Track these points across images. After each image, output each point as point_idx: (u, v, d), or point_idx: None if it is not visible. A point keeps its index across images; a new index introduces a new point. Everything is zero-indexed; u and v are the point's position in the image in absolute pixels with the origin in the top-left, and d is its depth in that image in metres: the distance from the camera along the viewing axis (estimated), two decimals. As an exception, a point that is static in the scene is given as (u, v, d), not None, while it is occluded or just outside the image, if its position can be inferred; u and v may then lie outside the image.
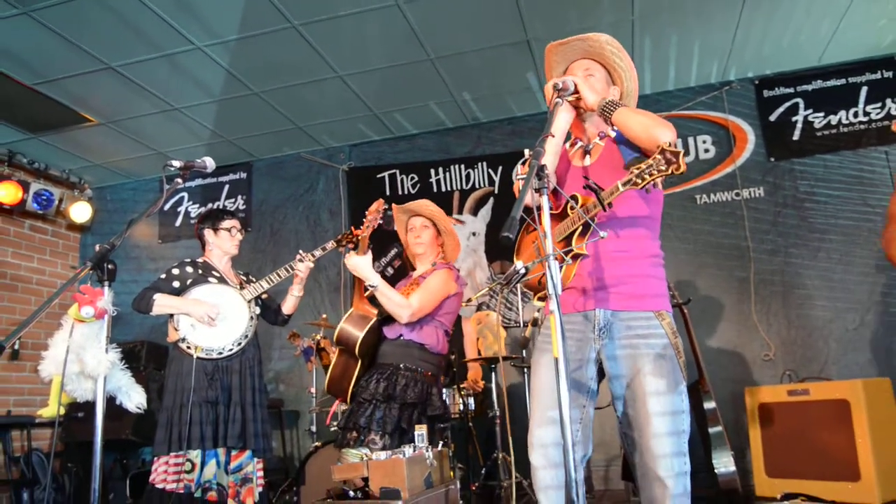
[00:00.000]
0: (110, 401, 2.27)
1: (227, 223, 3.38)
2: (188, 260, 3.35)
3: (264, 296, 3.40)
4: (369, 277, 2.80)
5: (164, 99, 4.97)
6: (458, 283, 3.03)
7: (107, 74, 4.54)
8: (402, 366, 2.87)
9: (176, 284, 3.20)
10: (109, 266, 2.04)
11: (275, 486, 4.51)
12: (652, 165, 1.70)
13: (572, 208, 1.96)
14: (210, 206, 6.22)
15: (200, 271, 3.29)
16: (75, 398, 2.29)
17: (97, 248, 2.04)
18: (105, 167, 6.21)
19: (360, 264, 2.81)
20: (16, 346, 5.64)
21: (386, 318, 2.98)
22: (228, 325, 3.20)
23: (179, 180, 2.38)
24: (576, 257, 1.95)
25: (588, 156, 2.13)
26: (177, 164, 2.34)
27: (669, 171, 1.67)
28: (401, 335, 2.92)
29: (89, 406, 4.84)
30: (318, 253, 3.40)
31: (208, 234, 3.37)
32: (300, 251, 3.39)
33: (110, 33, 4.10)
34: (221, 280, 3.30)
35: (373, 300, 2.95)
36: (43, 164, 5.95)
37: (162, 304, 3.10)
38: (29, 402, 5.72)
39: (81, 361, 2.15)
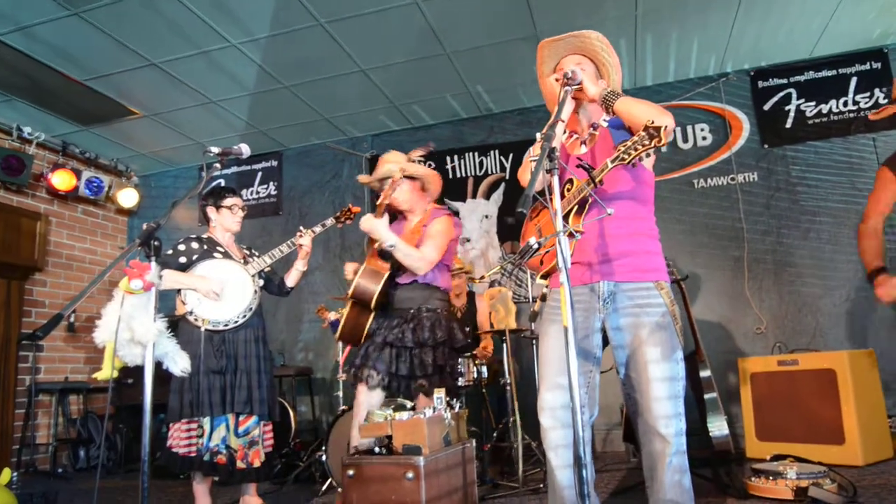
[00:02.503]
0: (157, 367, 2.26)
1: (228, 201, 3.26)
2: (194, 236, 3.25)
3: (267, 269, 3.30)
4: (386, 238, 2.74)
5: (203, 93, 4.97)
6: (456, 227, 2.98)
7: (150, 70, 4.55)
8: (423, 308, 2.82)
9: (182, 260, 3.11)
10: (156, 243, 2.00)
11: (306, 445, 4.57)
12: (637, 141, 1.69)
13: (569, 189, 1.96)
14: (243, 191, 6.23)
15: (206, 246, 3.19)
16: (126, 363, 2.30)
17: (144, 226, 2.02)
18: (149, 156, 6.25)
19: (377, 226, 2.75)
20: (71, 320, 5.74)
21: (397, 269, 2.93)
22: (233, 298, 3.11)
23: (218, 166, 2.34)
24: (574, 234, 1.95)
25: (584, 145, 2.12)
26: (215, 150, 2.31)
27: (652, 145, 1.66)
28: (414, 280, 2.86)
29: (138, 373, 4.92)
30: (317, 229, 3.31)
31: (211, 210, 3.27)
32: (301, 227, 3.30)
33: (153, 32, 4.10)
34: (226, 255, 3.21)
35: (382, 255, 2.88)
36: (93, 154, 6.01)
37: (170, 279, 3.01)
38: (84, 370, 5.84)
39: (131, 329, 2.15)
